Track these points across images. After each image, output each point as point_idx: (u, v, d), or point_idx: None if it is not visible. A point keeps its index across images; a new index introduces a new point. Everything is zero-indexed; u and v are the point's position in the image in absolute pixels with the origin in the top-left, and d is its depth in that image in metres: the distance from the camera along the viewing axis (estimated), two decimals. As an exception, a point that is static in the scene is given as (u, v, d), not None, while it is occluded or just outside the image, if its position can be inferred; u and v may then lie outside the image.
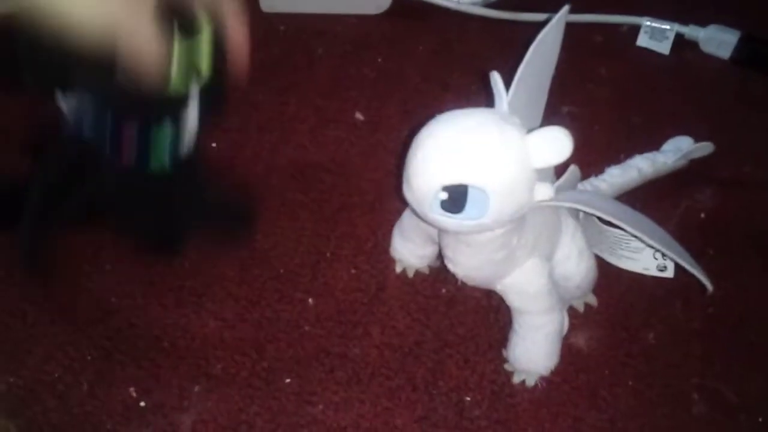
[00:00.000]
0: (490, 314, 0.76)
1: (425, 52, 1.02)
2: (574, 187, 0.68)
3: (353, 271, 0.78)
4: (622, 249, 0.78)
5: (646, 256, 0.77)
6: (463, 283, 0.68)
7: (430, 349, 0.73)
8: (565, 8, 0.65)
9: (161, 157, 0.65)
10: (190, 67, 0.61)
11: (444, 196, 0.54)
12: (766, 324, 0.76)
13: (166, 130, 0.64)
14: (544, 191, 0.56)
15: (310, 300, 0.76)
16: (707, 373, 0.74)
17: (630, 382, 0.72)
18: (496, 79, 0.57)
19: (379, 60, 1.00)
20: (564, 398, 0.71)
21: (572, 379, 0.72)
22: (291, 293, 0.76)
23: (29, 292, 0.75)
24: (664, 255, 0.74)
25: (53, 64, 0.58)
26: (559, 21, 0.64)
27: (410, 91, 0.96)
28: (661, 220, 0.82)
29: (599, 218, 0.73)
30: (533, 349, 0.69)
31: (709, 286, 0.62)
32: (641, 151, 0.87)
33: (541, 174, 0.57)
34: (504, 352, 0.72)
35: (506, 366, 0.72)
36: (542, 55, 0.64)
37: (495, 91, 0.57)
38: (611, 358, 0.74)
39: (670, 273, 0.78)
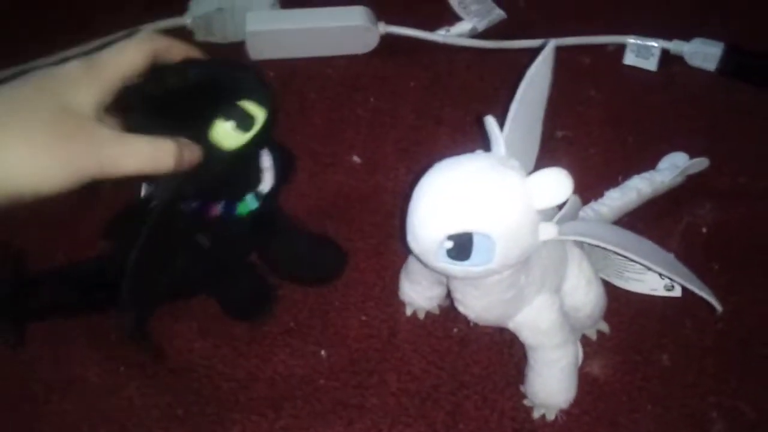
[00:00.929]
0: (504, 350, 0.75)
1: (417, 88, 1.01)
2: (575, 216, 0.67)
3: (363, 318, 0.77)
4: (628, 272, 0.77)
5: (653, 276, 0.77)
6: (476, 324, 0.67)
7: (448, 392, 0.73)
8: (551, 44, 0.64)
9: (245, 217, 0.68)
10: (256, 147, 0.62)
11: (449, 245, 0.53)
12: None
13: (248, 201, 0.67)
14: (549, 231, 0.56)
15: (323, 352, 0.75)
16: (723, 390, 0.73)
17: (649, 407, 0.72)
18: (490, 122, 0.57)
19: (372, 100, 0.99)
20: (585, 429, 0.71)
21: (591, 409, 0.72)
22: (302, 347, 0.75)
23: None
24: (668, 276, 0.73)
25: None
26: (546, 57, 0.63)
27: (405, 129, 0.95)
28: (663, 237, 0.82)
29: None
30: (551, 384, 0.68)
31: (718, 306, 0.62)
32: (638, 170, 0.86)
33: (543, 212, 0.57)
34: (522, 388, 0.71)
35: (525, 402, 0.71)
36: (533, 90, 0.63)
37: (491, 135, 0.57)
38: (628, 384, 0.74)
39: (677, 292, 0.77)
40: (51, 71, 0.52)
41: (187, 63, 0.60)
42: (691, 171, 0.87)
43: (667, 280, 0.77)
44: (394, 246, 0.83)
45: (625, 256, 0.62)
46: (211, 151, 0.58)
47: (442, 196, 0.54)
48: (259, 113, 0.60)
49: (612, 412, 0.71)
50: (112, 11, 1.07)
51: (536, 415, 0.70)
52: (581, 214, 0.75)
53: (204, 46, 1.01)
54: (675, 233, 0.85)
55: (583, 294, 0.68)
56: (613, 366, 0.74)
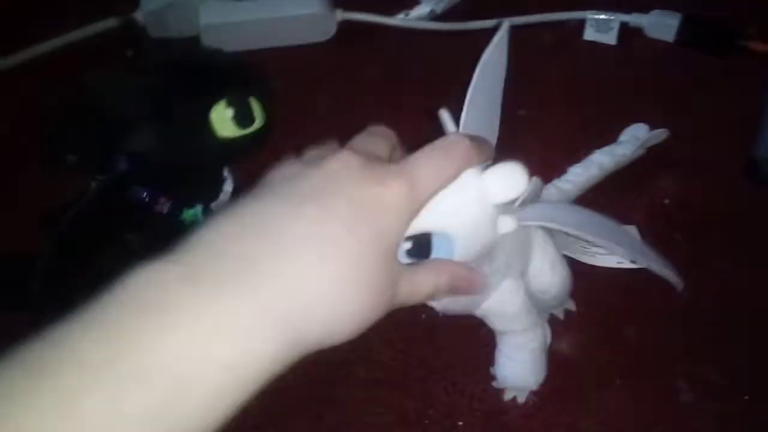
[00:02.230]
0: (472, 333, 0.76)
1: (377, 74, 1.03)
2: (538, 196, 0.68)
3: (331, 309, 0.78)
4: (595, 246, 0.79)
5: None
6: (444, 315, 0.69)
7: (417, 379, 0.74)
8: (505, 25, 0.64)
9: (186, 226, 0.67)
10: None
11: (408, 245, 0.54)
12: (742, 301, 0.78)
13: (197, 213, 0.67)
14: (507, 224, 0.56)
15: (290, 347, 0.76)
16: (691, 359, 0.75)
17: (618, 380, 0.74)
18: (444, 117, 0.57)
19: (333, 88, 1.00)
20: (555, 408, 0.72)
21: (561, 386, 0.73)
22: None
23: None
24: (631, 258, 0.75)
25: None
26: (500, 40, 0.64)
27: (366, 117, 0.95)
28: (626, 211, 0.84)
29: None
30: (521, 367, 0.70)
31: (679, 285, 0.63)
32: (601, 145, 0.88)
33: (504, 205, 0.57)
34: (492, 371, 0.73)
35: (494, 384, 0.72)
36: (489, 74, 0.63)
37: (445, 129, 0.57)
38: (597, 360, 0.75)
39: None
40: (367, 189, 0.42)
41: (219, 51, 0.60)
42: (652, 142, 0.89)
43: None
44: (359, 235, 0.84)
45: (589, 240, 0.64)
46: (203, 129, 0.59)
47: None
48: (259, 115, 0.61)
49: (582, 389, 0.73)
50: (64, 8, 1.08)
51: (507, 397, 0.72)
52: (544, 192, 0.77)
53: (159, 41, 1.02)
54: (637, 206, 0.87)
55: (548, 276, 0.69)
56: (581, 343, 0.76)
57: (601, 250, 0.79)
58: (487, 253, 0.60)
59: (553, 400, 0.72)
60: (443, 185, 0.47)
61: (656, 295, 0.79)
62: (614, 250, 0.62)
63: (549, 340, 0.73)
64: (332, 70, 1.03)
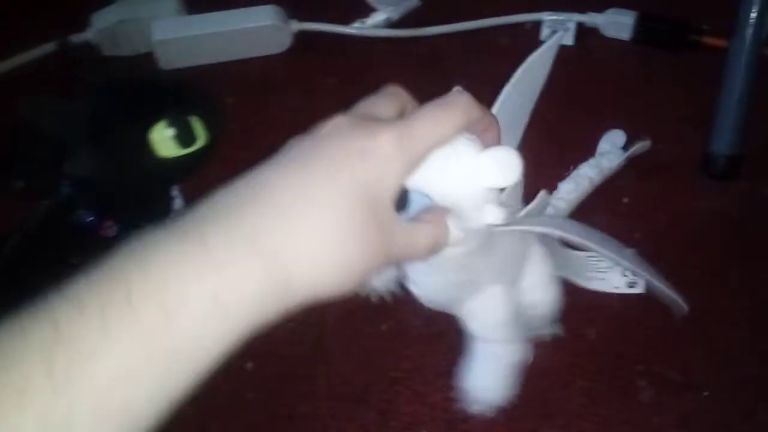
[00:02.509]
0: (434, 341, 0.77)
1: (335, 84, 1.03)
2: (542, 211, 0.68)
3: (290, 324, 0.77)
4: (590, 271, 0.78)
5: (615, 274, 0.78)
6: (430, 310, 0.67)
7: (379, 390, 0.74)
8: (556, 37, 0.65)
9: None
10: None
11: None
12: (699, 299, 0.78)
13: None
14: (494, 214, 0.53)
15: (249, 365, 0.76)
16: (651, 358, 0.76)
17: (579, 382, 0.74)
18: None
19: (291, 100, 1.00)
20: (517, 412, 0.72)
21: (523, 391, 0.73)
22: (228, 361, 0.76)
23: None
24: (630, 272, 0.75)
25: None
26: (551, 46, 0.65)
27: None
28: (585, 211, 0.85)
29: (564, 242, 0.75)
30: (492, 380, 0.69)
31: (684, 306, 0.63)
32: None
33: (507, 198, 0.57)
34: (456, 379, 0.72)
35: (459, 395, 0.72)
36: (528, 80, 0.65)
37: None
38: (558, 362, 0.76)
39: (640, 288, 0.78)
40: (352, 142, 0.43)
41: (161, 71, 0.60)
42: (636, 153, 0.90)
43: (629, 278, 0.78)
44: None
45: (592, 251, 0.65)
46: (143, 150, 0.59)
47: None
48: (202, 136, 0.61)
49: (543, 392, 0.73)
50: (15, 28, 1.07)
51: (473, 410, 0.72)
52: None
53: (112, 60, 1.02)
54: (597, 205, 0.87)
55: (541, 293, 0.69)
56: (542, 345, 0.76)
57: (597, 274, 0.78)
58: (481, 249, 0.58)
59: (514, 405, 0.73)
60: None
61: (615, 296, 0.79)
62: (618, 263, 0.62)
63: (530, 360, 0.72)
64: (289, 81, 1.03)
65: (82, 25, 1.05)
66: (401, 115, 0.49)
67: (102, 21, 1.04)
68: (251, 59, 1.05)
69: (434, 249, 0.49)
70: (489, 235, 0.57)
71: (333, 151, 0.43)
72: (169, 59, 1.03)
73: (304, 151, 0.44)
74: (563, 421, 0.72)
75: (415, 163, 0.46)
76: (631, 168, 0.91)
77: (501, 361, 0.68)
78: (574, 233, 0.60)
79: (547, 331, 0.76)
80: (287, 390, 0.75)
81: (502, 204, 0.54)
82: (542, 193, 0.62)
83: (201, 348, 0.40)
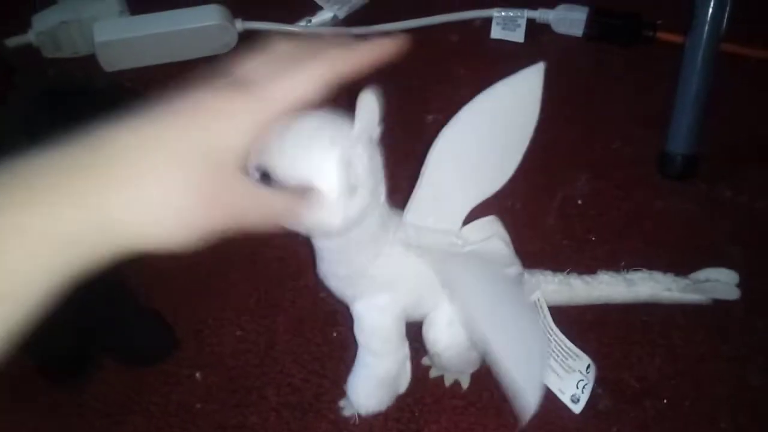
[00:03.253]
0: (385, 349, 0.76)
1: (282, 83, 1.01)
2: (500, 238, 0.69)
3: (239, 332, 0.78)
4: (554, 360, 0.75)
5: (571, 380, 0.74)
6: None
7: (330, 399, 0.74)
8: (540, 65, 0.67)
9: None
10: None
11: (257, 176, 0.53)
12: (655, 305, 0.78)
13: None
14: (337, 219, 0.55)
15: (198, 374, 0.75)
16: (607, 364, 0.76)
17: (536, 390, 0.74)
18: (365, 101, 0.54)
19: (236, 101, 0.99)
20: (471, 421, 0.73)
21: (476, 400, 0.74)
22: (177, 371, 0.75)
23: None
24: (584, 387, 0.73)
25: None
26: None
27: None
28: (539, 213, 0.85)
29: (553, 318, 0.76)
30: (357, 384, 0.69)
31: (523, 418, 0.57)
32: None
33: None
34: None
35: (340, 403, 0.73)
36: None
37: (357, 112, 0.55)
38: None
39: (578, 408, 0.73)
40: (201, 96, 0.44)
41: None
42: (717, 296, 0.79)
43: (577, 392, 0.74)
44: (267, 254, 0.84)
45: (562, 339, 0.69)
46: None
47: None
48: None
49: (497, 401, 0.73)
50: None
51: (344, 411, 0.73)
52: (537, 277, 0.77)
53: (53, 62, 1.00)
54: (551, 208, 0.88)
55: (438, 331, 0.67)
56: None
57: (557, 367, 0.75)
58: (361, 247, 0.61)
59: (469, 414, 0.73)
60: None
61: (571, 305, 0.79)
62: (474, 326, 0.59)
63: (403, 387, 0.71)
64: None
65: (24, 26, 1.03)
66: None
67: (43, 23, 1.02)
68: (197, 59, 1.04)
69: (289, 218, 0.52)
70: (371, 240, 0.60)
71: (183, 108, 0.44)
72: (111, 61, 1.01)
73: (159, 108, 0.44)
74: (519, 430, 0.72)
75: (267, 121, 0.46)
76: (585, 169, 0.91)
77: (365, 370, 0.68)
78: (453, 281, 0.60)
79: (452, 378, 0.75)
80: (237, 400, 0.74)
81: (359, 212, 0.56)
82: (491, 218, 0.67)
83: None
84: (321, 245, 0.62)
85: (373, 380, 0.68)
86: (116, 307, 0.72)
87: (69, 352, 0.73)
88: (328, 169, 0.53)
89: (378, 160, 0.58)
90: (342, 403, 0.73)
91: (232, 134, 0.44)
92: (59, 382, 0.74)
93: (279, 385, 0.75)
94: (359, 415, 0.71)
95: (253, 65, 0.49)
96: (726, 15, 0.89)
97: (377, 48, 0.53)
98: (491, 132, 0.68)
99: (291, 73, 0.47)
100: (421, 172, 0.66)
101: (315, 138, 0.53)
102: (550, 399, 0.73)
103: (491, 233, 0.69)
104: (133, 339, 0.75)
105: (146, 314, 0.76)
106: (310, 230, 0.58)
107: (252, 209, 0.47)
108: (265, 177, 0.54)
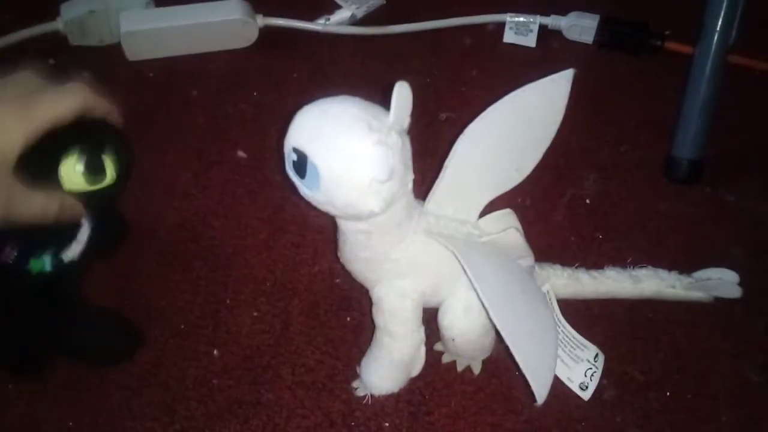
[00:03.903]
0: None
1: (300, 79, 1.01)
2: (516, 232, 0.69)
3: (255, 314, 0.77)
4: (562, 350, 0.74)
5: (579, 369, 0.73)
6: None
7: (343, 380, 0.73)
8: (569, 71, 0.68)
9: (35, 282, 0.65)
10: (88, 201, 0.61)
11: (294, 157, 0.55)
12: (659, 300, 0.78)
13: (44, 263, 0.64)
14: (372, 202, 0.56)
15: (215, 351, 0.75)
16: (613, 357, 0.75)
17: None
18: (400, 91, 0.55)
19: (255, 94, 0.99)
20: (480, 406, 0.72)
21: (485, 385, 0.73)
22: (195, 347, 0.75)
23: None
24: (592, 375, 0.73)
25: None
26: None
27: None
28: (549, 210, 0.84)
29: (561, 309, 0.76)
30: (373, 366, 0.69)
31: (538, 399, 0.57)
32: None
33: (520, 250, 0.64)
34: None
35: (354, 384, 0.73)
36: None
37: (393, 103, 0.55)
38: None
39: (587, 395, 0.73)
40: None
41: None
42: (719, 294, 0.78)
43: (586, 379, 0.73)
44: (283, 239, 0.83)
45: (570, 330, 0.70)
46: (50, 185, 0.57)
47: (309, 115, 0.56)
48: (110, 174, 0.59)
49: (505, 388, 0.73)
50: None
51: (356, 391, 0.72)
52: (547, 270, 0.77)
53: (79, 49, 1.00)
54: (560, 206, 0.88)
55: (454, 317, 0.67)
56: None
57: (565, 357, 0.74)
58: (386, 233, 0.61)
59: (478, 399, 0.72)
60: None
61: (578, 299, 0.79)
62: (489, 311, 0.57)
63: (417, 370, 0.71)
64: (255, 75, 1.01)
65: (53, 14, 1.02)
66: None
67: (72, 11, 1.01)
68: (218, 53, 1.03)
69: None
70: (396, 225, 0.61)
71: None
72: (136, 51, 1.01)
73: None
74: (526, 416, 0.71)
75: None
76: (594, 169, 0.91)
77: (383, 351, 0.68)
78: (470, 264, 0.59)
79: (465, 363, 0.74)
80: (252, 377, 0.73)
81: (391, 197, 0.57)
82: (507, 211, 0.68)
83: None
84: (347, 228, 0.62)
85: (389, 362, 0.68)
86: (65, 314, 0.70)
87: (21, 354, 0.72)
88: (368, 154, 0.54)
89: (408, 149, 0.58)
90: (355, 383, 0.72)
91: (7, 143, 0.53)
92: (17, 375, 0.73)
93: (293, 365, 0.74)
94: (372, 396, 0.71)
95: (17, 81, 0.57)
96: (735, 27, 0.88)
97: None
98: (514, 131, 0.68)
99: (50, 96, 0.56)
100: (445, 164, 0.66)
101: (354, 124, 0.54)
102: (557, 388, 0.72)
103: (507, 225, 0.69)
104: (86, 342, 0.72)
105: (100, 315, 0.74)
106: (342, 212, 0.58)
107: (20, 204, 0.56)
108: (302, 159, 0.54)
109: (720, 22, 0.88)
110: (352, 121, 0.54)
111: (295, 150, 0.55)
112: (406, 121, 0.57)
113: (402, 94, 0.55)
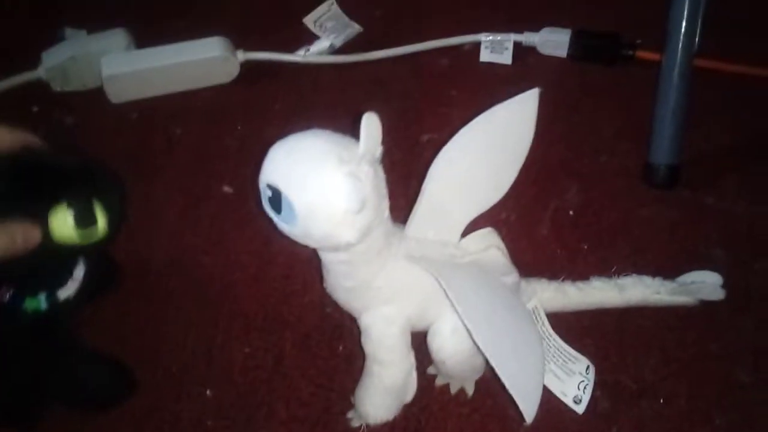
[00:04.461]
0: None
1: (282, 110, 1.00)
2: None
3: (247, 350, 0.75)
4: (554, 364, 0.73)
5: (572, 382, 0.72)
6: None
7: (338, 412, 0.71)
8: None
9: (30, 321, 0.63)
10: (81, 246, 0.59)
11: (269, 193, 0.55)
12: (646, 307, 0.76)
13: (39, 302, 0.62)
14: (348, 233, 0.55)
15: (208, 391, 0.73)
16: (605, 367, 0.74)
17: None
18: (368, 122, 0.54)
19: (239, 128, 0.97)
20: (476, 427, 0.71)
21: (480, 406, 0.72)
22: (188, 389, 0.73)
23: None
24: (585, 388, 0.71)
25: None
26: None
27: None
28: (533, 224, 0.83)
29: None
30: (366, 395, 0.67)
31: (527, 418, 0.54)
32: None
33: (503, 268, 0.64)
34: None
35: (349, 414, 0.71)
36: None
37: (361, 133, 0.54)
38: (513, 374, 0.72)
39: (581, 409, 0.71)
40: None
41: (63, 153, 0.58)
42: (702, 296, 0.76)
43: (579, 392, 0.71)
44: (273, 272, 0.81)
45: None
46: (42, 231, 0.55)
47: (280, 151, 0.55)
48: (101, 221, 0.57)
49: (500, 407, 0.71)
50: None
51: (352, 422, 0.70)
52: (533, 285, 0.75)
53: (63, 95, 0.98)
54: (544, 219, 0.86)
55: (442, 340, 0.65)
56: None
57: (557, 370, 0.72)
58: (368, 262, 0.60)
59: (473, 420, 0.71)
60: None
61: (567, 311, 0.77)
62: (473, 333, 0.56)
63: (409, 396, 0.68)
64: (238, 109, 1.00)
65: (35, 63, 1.01)
66: None
67: (52, 58, 1.00)
68: (200, 90, 1.02)
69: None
70: (377, 253, 0.60)
71: None
72: (118, 93, 0.99)
73: None
74: (521, 432, 0.69)
75: None
76: (575, 181, 0.89)
77: (373, 379, 0.66)
78: (452, 286, 0.58)
79: (458, 385, 0.73)
80: (247, 416, 0.71)
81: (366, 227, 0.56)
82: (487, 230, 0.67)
83: None
84: (328, 259, 0.61)
85: (381, 390, 0.66)
86: (61, 355, 0.67)
87: (13, 399, 0.69)
88: (340, 186, 0.53)
89: (381, 178, 0.57)
90: (350, 414, 0.70)
91: None
92: (7, 425, 0.70)
93: (288, 400, 0.72)
94: (367, 426, 0.69)
95: None
96: (698, 32, 0.88)
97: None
98: (488, 151, 0.67)
99: None
100: (422, 188, 0.65)
101: (325, 157, 0.53)
102: (551, 403, 0.70)
103: (489, 244, 0.68)
104: (81, 386, 0.70)
105: (95, 360, 0.71)
106: (320, 244, 0.57)
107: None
108: (276, 195, 0.54)
109: (683, 28, 0.87)
110: (323, 154, 0.54)
111: (270, 186, 0.55)
112: (378, 151, 0.56)
113: (370, 124, 0.54)
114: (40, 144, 0.58)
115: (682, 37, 0.87)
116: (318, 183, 0.53)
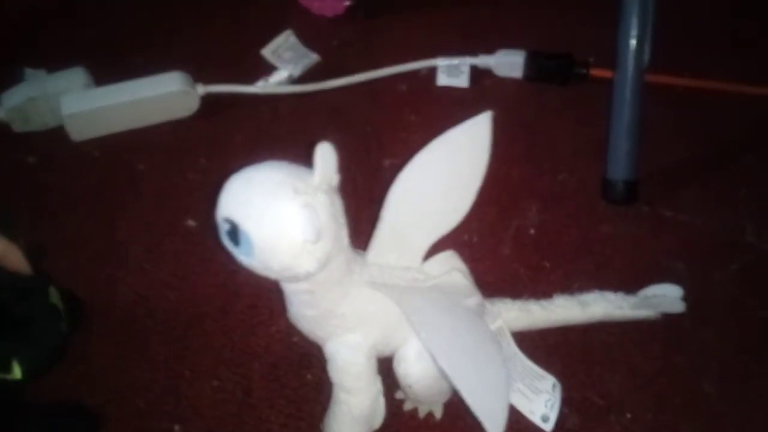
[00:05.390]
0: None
1: (244, 142, 0.99)
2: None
3: (216, 383, 0.74)
4: (521, 383, 0.71)
5: (540, 400, 0.71)
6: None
7: (309, 442, 0.70)
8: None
9: None
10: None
11: (227, 227, 0.54)
12: (611, 324, 0.76)
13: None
14: (306, 264, 0.54)
15: (177, 427, 0.71)
16: (572, 384, 0.73)
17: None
18: (322, 152, 0.54)
19: (202, 161, 0.96)
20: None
21: (450, 429, 0.71)
22: (157, 426, 0.71)
23: None
24: (552, 405, 0.70)
25: None
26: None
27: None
28: (495, 244, 0.82)
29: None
30: (335, 423, 0.66)
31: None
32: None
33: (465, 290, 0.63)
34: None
35: None
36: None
37: (315, 163, 0.54)
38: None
39: (548, 427, 0.70)
40: None
41: None
42: (664, 310, 0.76)
43: (546, 411, 0.70)
44: (239, 304, 0.80)
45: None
46: None
47: (236, 184, 0.54)
48: (17, 372, 0.57)
49: (470, 428, 0.70)
50: None
51: None
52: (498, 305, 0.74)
53: (23, 136, 0.96)
54: (506, 238, 0.85)
55: (408, 365, 0.64)
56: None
57: (525, 389, 0.71)
58: (328, 291, 0.59)
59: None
60: None
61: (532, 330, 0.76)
62: (435, 357, 0.56)
63: (377, 423, 0.68)
64: (199, 143, 0.98)
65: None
66: None
67: (11, 100, 0.98)
68: (161, 124, 1.00)
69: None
70: (338, 281, 0.59)
71: None
72: (79, 131, 0.98)
73: None
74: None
75: None
76: (535, 200, 0.89)
77: (340, 407, 0.65)
78: (409, 308, 0.58)
79: (426, 409, 0.72)
80: (215, 451, 0.69)
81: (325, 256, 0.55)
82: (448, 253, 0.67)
83: None
84: (290, 289, 0.61)
85: (349, 418, 0.65)
86: (16, 408, 0.65)
87: None
88: (295, 217, 0.52)
89: (339, 206, 0.57)
90: None
91: None
92: None
93: (257, 432, 0.70)
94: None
95: None
96: (647, 48, 0.88)
97: None
98: (445, 174, 0.67)
99: None
100: (381, 214, 0.65)
101: (280, 189, 0.53)
102: (520, 423, 0.70)
103: (450, 267, 0.67)
104: None
105: (52, 410, 0.70)
106: (280, 275, 0.56)
107: None
108: (234, 228, 0.53)
109: (633, 45, 0.87)
110: (277, 186, 0.53)
111: (227, 220, 0.54)
112: (335, 179, 0.56)
113: (325, 153, 0.54)
114: None
115: (632, 53, 0.87)
116: (273, 215, 0.52)
